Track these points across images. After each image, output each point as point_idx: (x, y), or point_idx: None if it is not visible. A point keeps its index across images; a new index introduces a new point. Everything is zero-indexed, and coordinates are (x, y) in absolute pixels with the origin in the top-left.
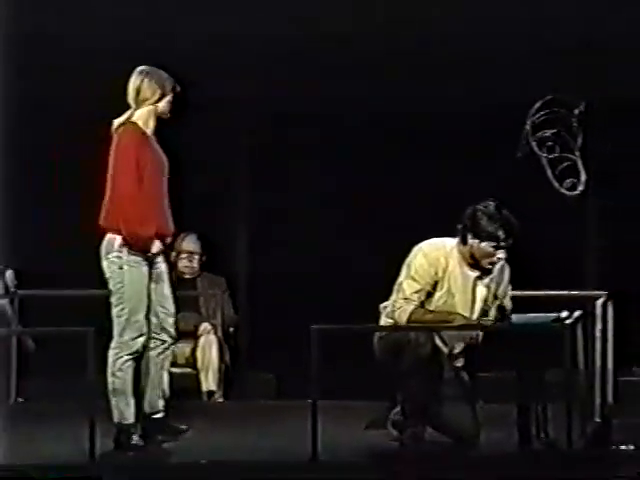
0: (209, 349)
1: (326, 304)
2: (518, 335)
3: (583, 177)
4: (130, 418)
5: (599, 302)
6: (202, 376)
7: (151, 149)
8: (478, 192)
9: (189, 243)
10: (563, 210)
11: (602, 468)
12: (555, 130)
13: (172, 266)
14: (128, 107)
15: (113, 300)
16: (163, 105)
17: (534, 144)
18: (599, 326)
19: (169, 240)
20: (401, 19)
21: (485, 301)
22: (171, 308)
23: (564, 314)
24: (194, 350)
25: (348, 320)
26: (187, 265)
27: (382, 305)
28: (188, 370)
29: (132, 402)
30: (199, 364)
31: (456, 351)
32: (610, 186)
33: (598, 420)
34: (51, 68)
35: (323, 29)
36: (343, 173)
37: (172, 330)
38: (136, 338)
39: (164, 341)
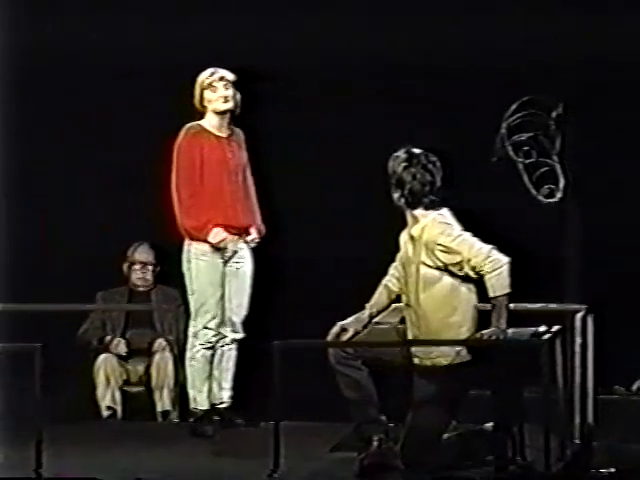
0: (164, 367)
1: (289, 319)
2: (495, 350)
3: (562, 183)
4: (204, 405)
5: (579, 316)
6: (157, 395)
7: (211, 148)
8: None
9: (142, 253)
10: (541, 219)
11: None
12: (532, 134)
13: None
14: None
15: (188, 290)
16: (209, 100)
17: (510, 148)
18: (579, 341)
19: (254, 235)
20: None
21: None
22: (241, 304)
23: (542, 329)
24: (148, 368)
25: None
26: (140, 277)
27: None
28: (142, 389)
29: (205, 390)
30: (153, 383)
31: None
32: (590, 193)
33: (577, 441)
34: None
35: None
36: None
37: (237, 326)
38: (206, 328)
39: (225, 336)
